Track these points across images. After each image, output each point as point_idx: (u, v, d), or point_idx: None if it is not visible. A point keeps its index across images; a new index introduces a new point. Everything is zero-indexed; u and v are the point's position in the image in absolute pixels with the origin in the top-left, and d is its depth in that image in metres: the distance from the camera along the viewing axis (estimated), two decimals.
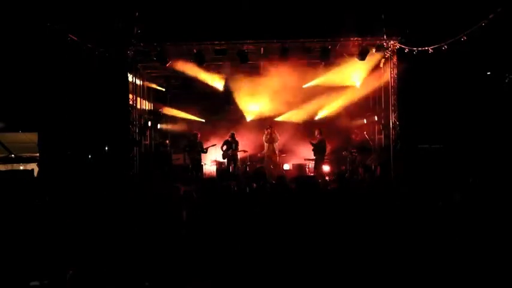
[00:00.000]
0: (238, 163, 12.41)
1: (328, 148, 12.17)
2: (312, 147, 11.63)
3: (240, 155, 12.68)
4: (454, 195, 5.50)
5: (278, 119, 13.62)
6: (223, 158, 12.27)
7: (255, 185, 6.16)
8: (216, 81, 13.10)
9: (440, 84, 10.37)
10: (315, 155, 11.76)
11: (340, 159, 12.55)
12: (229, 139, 12.21)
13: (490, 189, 6.29)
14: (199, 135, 12.23)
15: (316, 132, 11.86)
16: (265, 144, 12.23)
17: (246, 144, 12.85)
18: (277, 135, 12.27)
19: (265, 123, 12.85)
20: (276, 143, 12.23)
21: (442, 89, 10.38)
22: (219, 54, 11.14)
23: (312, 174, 11.94)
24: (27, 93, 10.63)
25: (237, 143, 12.23)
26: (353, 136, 12.55)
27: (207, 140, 12.83)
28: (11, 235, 4.27)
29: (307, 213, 4.60)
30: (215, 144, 12.40)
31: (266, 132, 12.23)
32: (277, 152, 12.28)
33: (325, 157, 12.00)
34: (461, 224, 4.56)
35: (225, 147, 12.12)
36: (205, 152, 12.17)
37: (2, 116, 11.25)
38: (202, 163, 12.46)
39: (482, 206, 4.99)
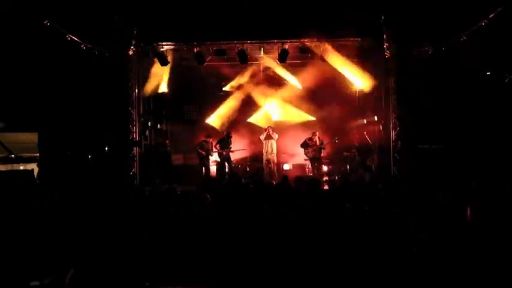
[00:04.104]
0: (232, 163, 12.41)
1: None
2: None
3: (239, 154, 12.68)
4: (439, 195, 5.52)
5: (278, 119, 13.63)
6: (218, 157, 12.27)
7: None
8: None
9: (440, 84, 10.36)
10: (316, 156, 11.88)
11: (340, 159, 12.57)
12: (225, 138, 12.21)
13: (490, 190, 6.30)
14: (211, 140, 12.24)
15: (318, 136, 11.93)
16: (263, 142, 12.24)
17: (245, 144, 12.87)
18: (275, 134, 12.27)
19: (265, 124, 12.90)
20: (274, 141, 12.21)
21: (442, 89, 10.37)
22: (219, 54, 11.15)
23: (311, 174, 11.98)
24: (27, 93, 10.61)
25: (231, 142, 12.23)
26: (351, 136, 12.56)
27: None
28: (11, 235, 4.27)
29: (307, 215, 4.60)
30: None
31: (265, 131, 12.26)
32: (275, 151, 12.28)
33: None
34: (461, 225, 4.56)
35: (218, 146, 12.12)
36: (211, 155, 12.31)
37: (2, 116, 11.24)
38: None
39: (483, 206, 4.99)
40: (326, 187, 10.21)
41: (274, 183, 9.32)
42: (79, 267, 2.51)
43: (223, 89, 13.40)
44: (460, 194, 5.87)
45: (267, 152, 12.18)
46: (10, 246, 3.99)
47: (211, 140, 12.20)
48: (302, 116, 13.47)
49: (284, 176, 8.73)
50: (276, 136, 12.22)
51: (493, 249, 3.84)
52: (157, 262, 3.64)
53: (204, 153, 11.99)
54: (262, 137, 12.27)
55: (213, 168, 12.89)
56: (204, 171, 12.01)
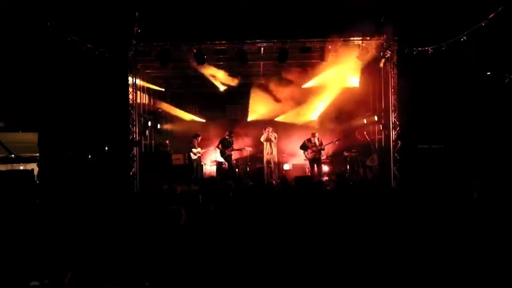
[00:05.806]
0: (233, 163, 12.44)
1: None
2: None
3: (241, 153, 12.70)
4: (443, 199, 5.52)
5: (278, 119, 13.64)
6: (221, 156, 12.27)
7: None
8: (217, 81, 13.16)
9: (440, 84, 10.37)
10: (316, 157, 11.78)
11: (340, 159, 12.55)
12: (227, 137, 12.21)
13: (491, 188, 6.29)
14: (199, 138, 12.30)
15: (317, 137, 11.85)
16: (264, 143, 12.24)
17: (246, 144, 12.89)
18: (275, 135, 12.24)
19: (265, 124, 12.88)
20: (274, 142, 12.19)
21: (442, 89, 10.37)
22: (219, 54, 11.15)
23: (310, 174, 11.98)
24: (27, 93, 10.63)
25: (233, 142, 12.28)
26: (358, 136, 12.54)
27: (207, 139, 12.87)
28: (11, 235, 4.27)
29: (307, 213, 4.60)
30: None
31: (265, 132, 12.24)
32: (275, 151, 12.26)
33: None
34: (461, 223, 4.56)
35: (221, 146, 12.12)
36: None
37: (2, 116, 11.25)
38: (202, 163, 12.49)
39: (483, 205, 4.99)
40: (326, 187, 10.19)
41: (274, 183, 9.32)
42: (79, 266, 2.52)
43: (221, 89, 13.42)
44: (460, 195, 5.87)
45: (267, 152, 12.16)
46: (10, 246, 3.99)
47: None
48: (303, 116, 13.47)
49: (283, 177, 8.74)
50: (275, 136, 12.18)
51: (493, 249, 3.84)
52: (157, 262, 3.64)
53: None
54: (262, 138, 12.23)
55: (212, 168, 12.91)
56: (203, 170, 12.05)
